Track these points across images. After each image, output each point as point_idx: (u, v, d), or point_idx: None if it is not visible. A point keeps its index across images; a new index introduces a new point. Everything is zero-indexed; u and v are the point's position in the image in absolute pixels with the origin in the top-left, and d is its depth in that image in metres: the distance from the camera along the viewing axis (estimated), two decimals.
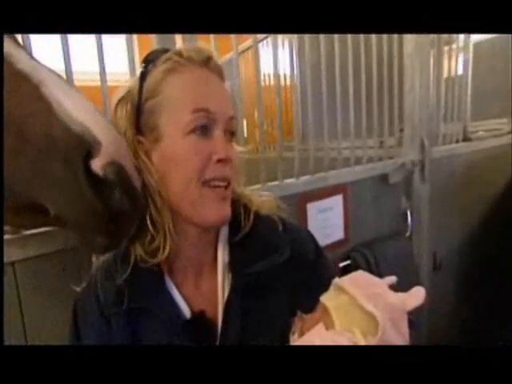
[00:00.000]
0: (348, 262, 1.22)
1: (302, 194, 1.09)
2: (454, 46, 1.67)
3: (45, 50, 0.85)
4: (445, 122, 1.62)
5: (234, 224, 0.56)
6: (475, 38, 2.01)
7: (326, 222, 1.18)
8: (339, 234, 1.22)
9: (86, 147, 0.39)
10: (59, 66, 0.60)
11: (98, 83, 0.76)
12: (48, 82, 0.40)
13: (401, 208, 1.40)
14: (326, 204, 1.17)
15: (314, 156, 1.15)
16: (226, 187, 0.52)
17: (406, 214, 1.39)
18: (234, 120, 0.53)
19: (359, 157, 1.27)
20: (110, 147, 0.40)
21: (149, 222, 0.50)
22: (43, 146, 0.39)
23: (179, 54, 0.51)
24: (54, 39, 0.68)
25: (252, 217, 0.56)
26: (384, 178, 1.31)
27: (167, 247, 0.51)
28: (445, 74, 1.65)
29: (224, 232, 0.57)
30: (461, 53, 1.69)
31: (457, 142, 1.66)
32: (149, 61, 0.53)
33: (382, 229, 1.34)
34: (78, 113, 0.40)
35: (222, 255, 0.55)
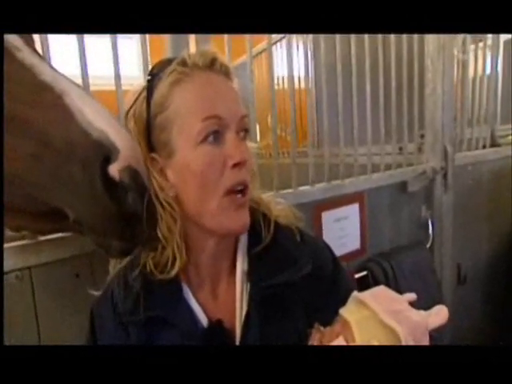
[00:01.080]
0: (364, 272, 1.17)
1: (317, 202, 1.06)
2: (481, 45, 1.58)
3: (59, 54, 0.86)
4: (470, 126, 1.53)
5: (253, 233, 0.56)
6: (506, 35, 1.90)
7: (342, 232, 1.14)
8: (355, 244, 1.18)
9: (105, 152, 0.41)
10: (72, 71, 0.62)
11: (107, 87, 0.76)
12: (70, 92, 0.43)
13: (421, 217, 1.33)
14: (342, 213, 1.13)
15: (329, 163, 1.11)
16: (243, 193, 0.51)
17: (427, 224, 1.33)
18: (246, 118, 0.53)
19: (376, 164, 1.22)
20: (126, 153, 0.42)
21: (160, 235, 0.51)
22: (63, 152, 0.41)
23: (183, 63, 0.51)
24: (70, 44, 0.69)
25: (272, 227, 0.56)
26: (403, 186, 1.25)
27: (177, 263, 0.51)
28: (471, 74, 1.56)
29: (243, 241, 0.57)
30: (489, 51, 1.60)
31: (483, 147, 1.57)
32: (154, 75, 0.52)
33: (401, 239, 1.28)
34: (98, 120, 0.42)
35: (241, 265, 0.55)
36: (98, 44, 1.14)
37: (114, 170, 0.41)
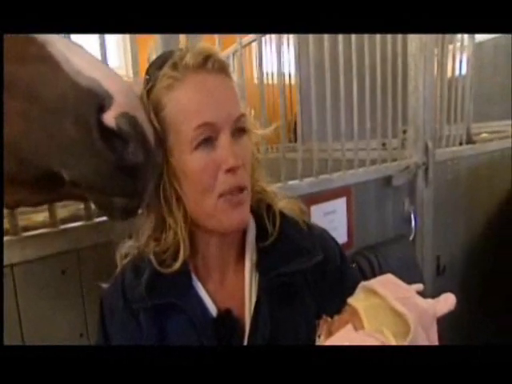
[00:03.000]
0: (352, 265, 1.19)
1: (306, 196, 1.06)
2: (458, 45, 1.64)
3: None
4: (448, 124, 1.60)
5: (261, 224, 0.57)
6: (477, 37, 1.99)
7: (330, 225, 1.15)
8: (343, 238, 1.20)
9: (97, 101, 0.38)
10: None
11: None
12: (54, 42, 0.40)
13: (404, 211, 1.37)
14: (330, 207, 1.14)
15: (318, 157, 1.12)
16: (240, 191, 0.51)
17: (410, 217, 1.37)
18: (243, 117, 0.52)
19: (362, 159, 1.24)
20: (121, 99, 0.39)
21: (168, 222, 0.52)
22: (53, 107, 0.38)
23: (174, 66, 0.50)
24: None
25: (278, 219, 0.56)
26: (388, 180, 1.29)
27: (180, 255, 0.52)
28: (448, 74, 1.62)
29: (251, 232, 0.57)
30: (464, 52, 1.66)
31: (460, 144, 1.64)
32: (150, 75, 0.52)
33: (386, 232, 1.32)
34: (87, 68, 0.39)
35: (250, 255, 0.56)
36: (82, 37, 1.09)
37: (109, 117, 0.38)
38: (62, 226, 0.70)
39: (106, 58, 0.74)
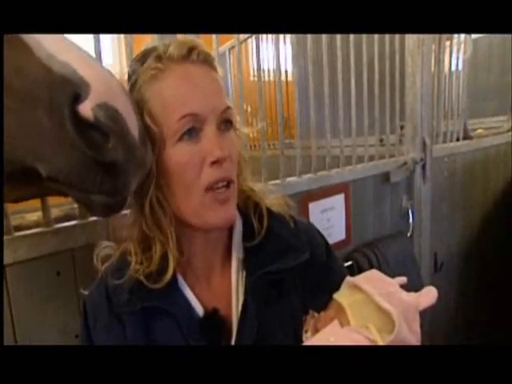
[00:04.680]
0: (350, 262, 1.18)
1: (304, 192, 1.05)
2: (455, 41, 1.64)
3: None
4: (445, 120, 1.60)
5: (248, 223, 0.56)
6: (473, 35, 1.99)
7: (328, 223, 1.15)
8: (341, 235, 1.19)
9: (72, 89, 0.35)
10: None
11: None
12: None
13: (402, 207, 1.37)
14: (328, 203, 1.14)
15: (316, 154, 1.11)
16: (227, 187, 0.50)
17: (408, 214, 1.37)
18: (230, 110, 0.50)
19: (361, 155, 1.24)
20: (99, 87, 0.35)
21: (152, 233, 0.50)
22: (26, 96, 0.35)
23: (158, 58, 0.49)
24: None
25: (266, 216, 0.56)
26: (386, 176, 1.28)
27: (170, 267, 0.50)
28: (446, 71, 1.62)
29: (238, 231, 0.56)
30: (461, 48, 1.66)
31: (457, 140, 1.64)
32: (134, 70, 0.50)
33: (384, 229, 1.32)
34: (61, 52, 0.35)
35: (237, 254, 0.55)
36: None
37: (85, 108, 0.35)
38: (56, 226, 0.68)
39: (101, 55, 0.72)
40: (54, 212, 0.71)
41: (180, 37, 0.55)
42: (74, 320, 0.68)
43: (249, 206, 0.56)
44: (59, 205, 0.76)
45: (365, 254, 1.20)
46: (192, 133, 0.47)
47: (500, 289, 1.73)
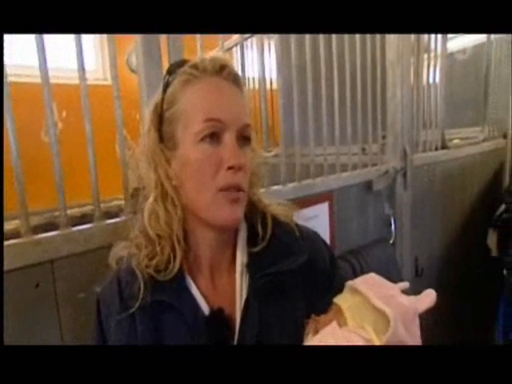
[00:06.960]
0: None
1: (289, 201, 1.06)
2: (432, 54, 1.71)
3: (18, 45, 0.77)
4: (424, 129, 1.65)
5: (253, 228, 0.59)
6: (449, 48, 2.08)
7: None
8: None
9: None
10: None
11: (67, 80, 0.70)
12: None
13: (384, 215, 1.40)
14: (312, 212, 1.15)
15: (300, 162, 1.12)
16: (238, 190, 0.54)
17: (390, 221, 1.40)
18: (250, 127, 0.55)
19: (344, 164, 1.26)
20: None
21: (160, 231, 0.54)
22: None
23: (194, 66, 0.54)
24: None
25: (270, 225, 0.59)
26: (369, 185, 1.31)
27: (177, 260, 0.54)
28: (424, 82, 1.68)
29: (242, 235, 0.59)
30: (438, 61, 1.73)
31: (436, 149, 1.70)
32: (170, 72, 0.56)
33: (367, 236, 1.34)
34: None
35: (241, 257, 0.58)
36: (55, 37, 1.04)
37: None
38: (36, 236, 0.66)
39: (83, 60, 0.71)
40: (34, 220, 0.69)
41: (212, 53, 0.61)
42: (53, 333, 0.66)
43: (254, 212, 0.60)
44: (39, 213, 0.74)
45: (348, 261, 1.21)
46: (213, 137, 0.52)
47: (478, 292, 1.78)
